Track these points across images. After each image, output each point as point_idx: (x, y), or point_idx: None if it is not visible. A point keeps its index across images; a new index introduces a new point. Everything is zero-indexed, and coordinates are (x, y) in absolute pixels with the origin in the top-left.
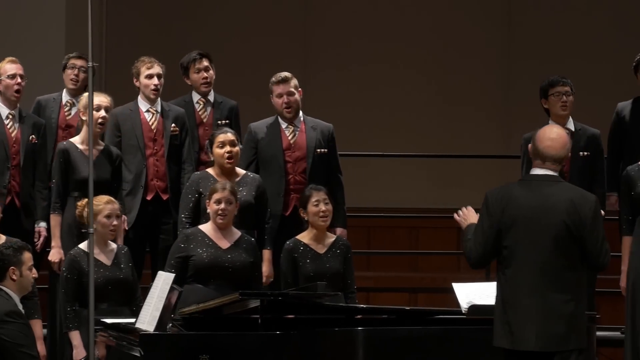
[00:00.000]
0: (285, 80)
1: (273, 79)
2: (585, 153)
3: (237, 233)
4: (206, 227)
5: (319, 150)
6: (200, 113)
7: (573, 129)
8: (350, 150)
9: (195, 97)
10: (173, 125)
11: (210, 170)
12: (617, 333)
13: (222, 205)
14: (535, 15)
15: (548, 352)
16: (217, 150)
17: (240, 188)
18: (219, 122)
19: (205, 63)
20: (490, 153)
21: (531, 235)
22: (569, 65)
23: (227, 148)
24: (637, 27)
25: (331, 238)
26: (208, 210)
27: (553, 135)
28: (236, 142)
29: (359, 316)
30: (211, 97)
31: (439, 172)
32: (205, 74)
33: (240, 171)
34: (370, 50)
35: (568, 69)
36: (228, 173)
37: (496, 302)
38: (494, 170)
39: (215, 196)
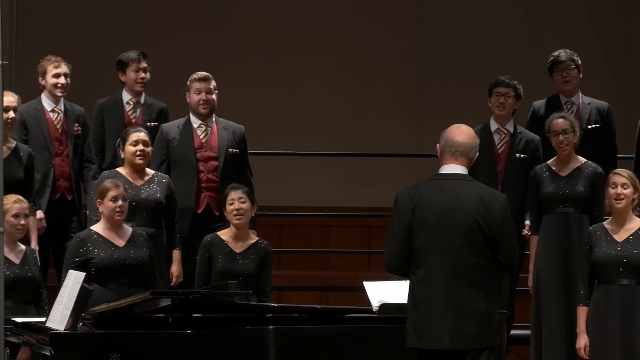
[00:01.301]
0: (206, 79)
1: (194, 76)
2: (522, 156)
3: (129, 229)
4: (99, 227)
5: (230, 150)
6: (129, 113)
7: (512, 131)
8: (262, 149)
9: (126, 97)
10: (76, 125)
11: (120, 169)
12: (528, 331)
13: (120, 202)
14: (446, 13)
15: (460, 350)
16: (129, 148)
17: (151, 187)
18: (148, 123)
19: (145, 64)
20: (402, 151)
21: (442, 234)
22: (480, 65)
23: (140, 147)
24: (549, 29)
25: (252, 240)
26: (101, 210)
27: (462, 128)
28: (149, 142)
29: (270, 315)
30: (142, 99)
31: (351, 170)
32: (143, 74)
33: (150, 171)
34: (282, 48)
35: (479, 70)
36: (138, 172)
37: (408, 302)
38: (406, 168)
39: (111, 194)
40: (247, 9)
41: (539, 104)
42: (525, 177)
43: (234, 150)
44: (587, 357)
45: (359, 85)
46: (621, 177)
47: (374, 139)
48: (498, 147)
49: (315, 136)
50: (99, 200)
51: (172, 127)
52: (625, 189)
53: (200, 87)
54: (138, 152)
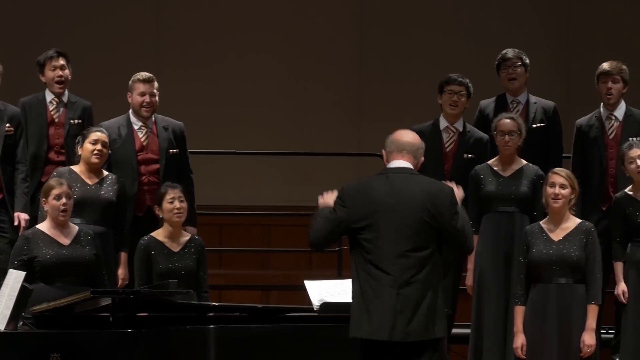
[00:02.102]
0: (150, 80)
1: (137, 76)
2: (470, 155)
3: (75, 228)
4: (44, 226)
5: (171, 151)
6: (52, 112)
7: (461, 130)
8: (202, 148)
9: (49, 96)
10: (8, 125)
11: (75, 167)
12: (468, 330)
13: (64, 200)
14: (389, 10)
15: (406, 343)
16: (88, 146)
17: (103, 187)
18: (72, 121)
19: (62, 62)
20: (343, 150)
21: (389, 228)
22: (423, 62)
23: (98, 146)
24: (496, 22)
25: (186, 237)
26: (46, 209)
27: (407, 131)
28: (108, 143)
29: (211, 314)
30: (65, 97)
31: (292, 169)
32: (60, 72)
33: (104, 171)
34: (222, 46)
35: (421, 70)
36: (93, 171)
37: (354, 295)
38: (347, 167)
39: (54, 192)
40: (187, 8)
41: (486, 102)
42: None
43: (174, 150)
44: (524, 357)
45: (300, 84)
46: (560, 177)
47: (315, 138)
48: (446, 145)
49: (256, 135)
50: (44, 199)
51: (112, 127)
52: (563, 189)
53: (144, 90)
54: (96, 152)
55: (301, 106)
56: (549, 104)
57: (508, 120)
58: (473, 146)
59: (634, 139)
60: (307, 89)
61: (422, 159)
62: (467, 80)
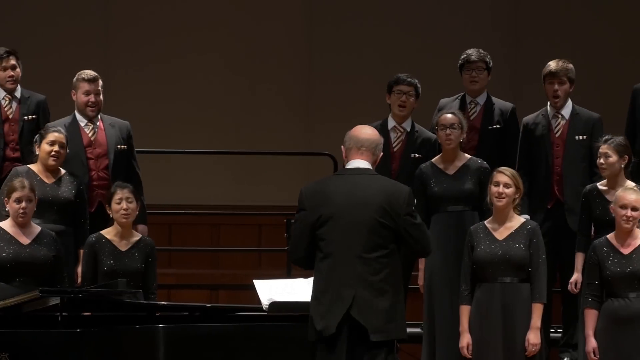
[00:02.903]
0: (94, 80)
1: (83, 75)
2: (417, 155)
3: (37, 228)
4: (6, 224)
5: (119, 146)
6: (5, 109)
7: (409, 129)
8: (152, 146)
9: (1, 93)
10: None
11: (32, 166)
12: (418, 329)
13: (23, 204)
14: (338, 12)
15: (364, 342)
16: (45, 147)
17: (61, 186)
18: (26, 117)
19: (12, 61)
20: (292, 149)
21: (346, 229)
22: (373, 61)
23: (56, 147)
24: (448, 17)
25: (136, 237)
26: (7, 209)
27: (366, 127)
28: (65, 144)
29: (160, 314)
30: (17, 93)
31: (241, 168)
32: (11, 72)
33: (62, 170)
34: (172, 46)
35: (372, 66)
36: (51, 170)
37: (312, 297)
38: (296, 166)
39: (15, 195)
40: (135, 8)
41: (445, 101)
42: None
43: (122, 146)
44: (470, 356)
45: (250, 84)
46: (504, 176)
47: (265, 137)
48: (394, 145)
49: (206, 134)
50: (6, 198)
51: (59, 125)
52: (507, 188)
53: (89, 89)
54: (53, 153)
55: (251, 105)
56: (507, 105)
57: (449, 115)
58: (420, 146)
59: (609, 136)
60: (257, 88)
61: (381, 154)
62: (416, 81)
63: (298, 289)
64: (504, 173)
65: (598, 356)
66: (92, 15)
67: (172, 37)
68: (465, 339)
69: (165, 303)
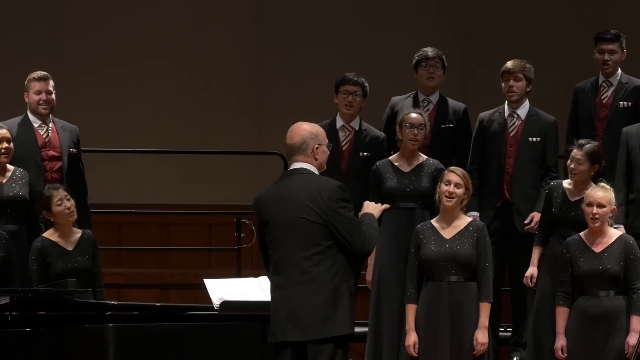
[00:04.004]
0: (45, 79)
1: (33, 75)
2: (366, 154)
3: None
4: None
5: (71, 150)
6: None
7: (357, 128)
8: (101, 146)
9: None
10: None
11: None
12: (365, 328)
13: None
14: (287, 7)
15: (302, 342)
16: None
17: (13, 184)
18: None
19: None
20: (242, 149)
21: (280, 231)
22: (322, 60)
23: (4, 144)
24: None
25: (77, 234)
26: None
27: (292, 127)
28: (11, 139)
29: (110, 313)
30: None
31: (191, 168)
32: None
33: (10, 167)
34: (121, 48)
35: (321, 64)
36: (1, 169)
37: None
38: (246, 166)
39: None
40: (85, 16)
41: (397, 99)
42: (367, 174)
43: (73, 150)
44: (416, 355)
45: (199, 84)
46: (455, 175)
47: (215, 137)
48: (342, 144)
49: (155, 134)
50: None
51: (11, 124)
52: (457, 188)
53: (40, 88)
54: (2, 151)
55: (200, 105)
56: (460, 105)
57: (415, 115)
58: (369, 145)
59: (585, 140)
60: (206, 88)
61: (322, 145)
62: (363, 80)
63: (249, 289)
64: (455, 173)
65: (566, 354)
66: (42, 22)
67: (122, 41)
68: (412, 338)
69: (116, 302)
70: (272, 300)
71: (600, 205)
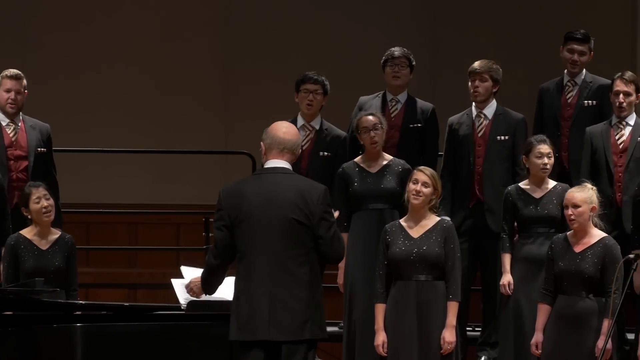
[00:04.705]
0: (17, 78)
1: (7, 73)
2: (327, 154)
3: None
4: None
5: (39, 149)
6: None
7: (318, 128)
8: (70, 145)
9: None
10: None
11: None
12: (336, 328)
13: None
14: (253, 9)
15: (278, 342)
16: None
17: None
18: None
19: None
20: (210, 148)
21: (263, 228)
22: (290, 60)
23: None
24: (365, 19)
25: (55, 235)
26: None
27: (287, 125)
28: None
29: (78, 312)
30: None
31: (159, 168)
32: None
33: None
34: (90, 54)
35: (288, 65)
36: None
37: (233, 297)
38: (214, 166)
39: None
40: (53, 22)
41: (365, 99)
42: (328, 174)
43: (42, 149)
44: (385, 354)
45: (167, 85)
46: (424, 175)
47: (183, 137)
48: (303, 143)
49: (124, 134)
50: None
51: None
52: (425, 187)
53: (11, 87)
54: None
55: (169, 105)
56: (427, 105)
57: (370, 117)
58: (330, 144)
59: (541, 136)
60: (175, 88)
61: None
62: (323, 78)
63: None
64: (423, 172)
65: (540, 350)
66: (10, 27)
67: (91, 48)
68: (381, 337)
69: (84, 302)
70: (248, 298)
71: (575, 206)
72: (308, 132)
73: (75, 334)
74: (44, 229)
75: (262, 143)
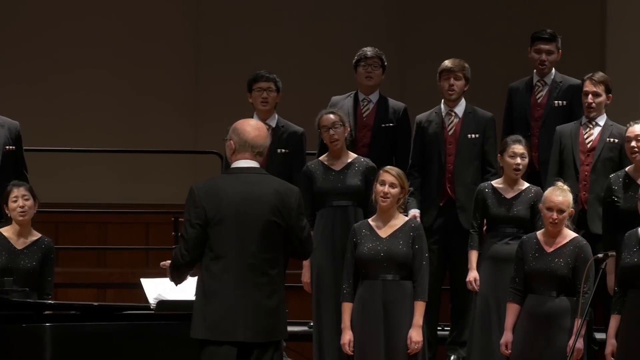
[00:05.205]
0: None
1: None
2: (284, 150)
3: None
4: None
5: (7, 147)
6: None
7: (274, 125)
8: (39, 144)
9: None
10: None
11: None
12: (305, 328)
13: None
14: (225, 8)
15: (251, 343)
16: None
17: None
18: None
19: None
20: (179, 148)
21: (240, 228)
22: (259, 60)
23: None
24: (338, 20)
25: (35, 236)
26: None
27: (258, 125)
28: None
29: (47, 312)
30: None
31: (127, 167)
32: None
33: None
34: (59, 55)
35: (258, 64)
36: None
37: (197, 294)
38: (183, 165)
39: None
40: (22, 25)
41: (337, 99)
42: (287, 171)
43: (11, 147)
44: (352, 353)
45: (136, 85)
46: (390, 175)
47: (152, 137)
48: None
49: (93, 134)
50: None
51: None
52: (393, 188)
53: None
54: None
55: (138, 105)
56: (399, 105)
57: (331, 115)
58: (287, 141)
59: (517, 136)
60: (144, 88)
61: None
62: (275, 76)
63: (186, 288)
64: (390, 173)
65: (510, 350)
66: None
67: (60, 50)
68: (347, 336)
69: (53, 302)
70: (222, 299)
71: (560, 211)
72: None
73: (45, 334)
74: (22, 229)
75: (230, 141)
